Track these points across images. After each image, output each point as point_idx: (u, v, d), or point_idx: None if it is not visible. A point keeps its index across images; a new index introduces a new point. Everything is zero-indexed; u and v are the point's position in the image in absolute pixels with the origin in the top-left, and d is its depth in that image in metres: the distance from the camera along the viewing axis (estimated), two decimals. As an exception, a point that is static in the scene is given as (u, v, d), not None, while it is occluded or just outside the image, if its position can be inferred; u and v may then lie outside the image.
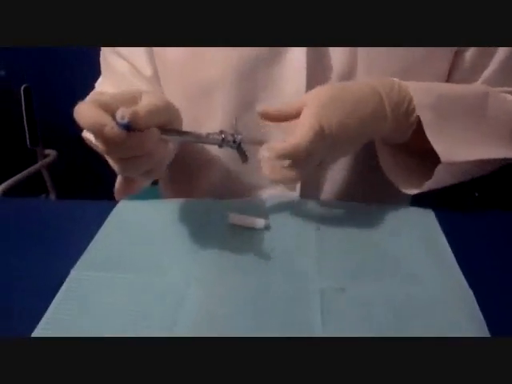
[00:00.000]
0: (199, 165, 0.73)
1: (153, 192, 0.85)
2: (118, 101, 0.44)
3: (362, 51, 0.61)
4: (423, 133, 0.55)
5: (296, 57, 0.61)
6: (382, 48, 0.60)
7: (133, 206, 0.64)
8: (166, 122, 0.48)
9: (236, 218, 0.59)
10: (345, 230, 0.59)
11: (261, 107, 0.54)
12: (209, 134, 0.51)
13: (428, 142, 0.55)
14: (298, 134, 0.50)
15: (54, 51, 1.84)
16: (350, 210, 0.63)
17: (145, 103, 0.46)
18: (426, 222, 0.60)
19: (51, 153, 1.79)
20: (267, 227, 0.58)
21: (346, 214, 0.62)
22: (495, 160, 0.60)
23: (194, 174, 0.74)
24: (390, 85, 0.55)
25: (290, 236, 0.57)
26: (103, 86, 0.74)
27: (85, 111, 0.42)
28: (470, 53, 0.63)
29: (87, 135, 0.66)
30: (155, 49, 0.67)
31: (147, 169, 0.48)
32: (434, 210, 0.62)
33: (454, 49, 0.63)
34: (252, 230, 0.58)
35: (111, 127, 0.41)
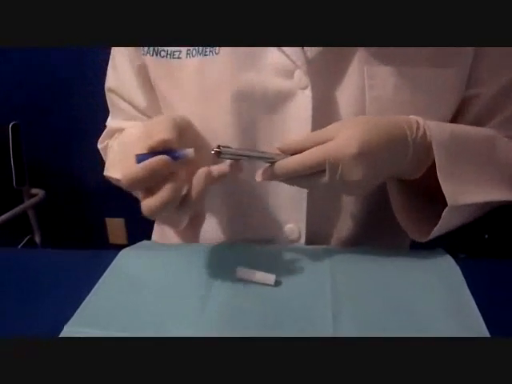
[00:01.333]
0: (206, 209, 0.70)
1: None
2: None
3: (371, 97, 0.59)
4: (431, 171, 0.54)
5: (300, 104, 0.59)
6: (390, 94, 0.59)
7: (134, 256, 0.60)
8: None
9: (244, 273, 0.55)
10: (363, 282, 0.55)
11: (283, 144, 0.54)
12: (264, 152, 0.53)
13: (434, 181, 0.54)
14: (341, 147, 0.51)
15: (45, 87, 1.82)
16: (365, 257, 0.60)
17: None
18: (446, 268, 0.57)
19: (39, 192, 1.74)
20: (277, 283, 0.55)
21: (361, 262, 0.59)
22: (499, 202, 0.60)
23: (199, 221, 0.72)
24: (409, 121, 0.55)
25: (302, 294, 0.53)
26: (116, 122, 0.75)
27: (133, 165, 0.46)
28: (481, 101, 0.63)
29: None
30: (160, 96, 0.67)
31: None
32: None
33: (461, 96, 0.62)
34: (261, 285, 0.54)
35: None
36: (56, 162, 1.89)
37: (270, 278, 0.54)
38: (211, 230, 0.70)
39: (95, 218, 2.05)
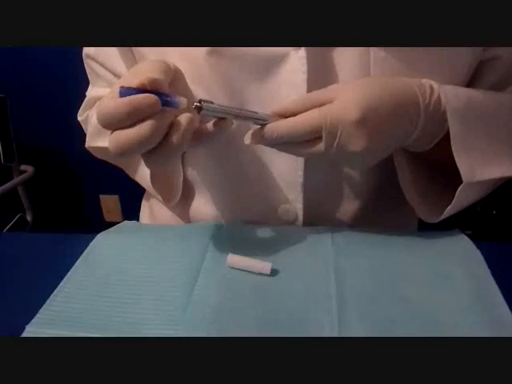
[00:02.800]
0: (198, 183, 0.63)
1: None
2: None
3: (376, 57, 0.51)
4: (443, 142, 0.49)
5: (294, 66, 0.51)
6: (400, 53, 0.51)
7: (110, 242, 0.53)
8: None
9: (236, 261, 0.48)
10: (371, 273, 0.48)
11: (276, 106, 0.47)
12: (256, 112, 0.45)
13: (447, 153, 0.48)
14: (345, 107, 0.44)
15: (33, 60, 1.74)
16: (373, 241, 0.53)
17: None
18: (465, 254, 0.50)
19: (28, 169, 1.67)
20: (274, 272, 0.48)
21: (369, 248, 0.52)
22: None
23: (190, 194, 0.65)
24: (422, 85, 0.48)
25: (302, 287, 0.46)
26: (96, 91, 0.67)
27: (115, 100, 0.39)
28: (500, 64, 0.55)
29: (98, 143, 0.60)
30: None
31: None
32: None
33: (478, 59, 0.55)
34: (256, 274, 0.47)
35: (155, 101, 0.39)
36: (45, 137, 1.81)
37: (266, 266, 0.47)
38: (200, 208, 0.63)
39: (89, 196, 1.98)
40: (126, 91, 0.39)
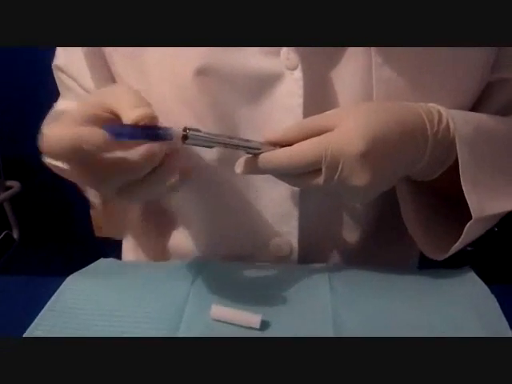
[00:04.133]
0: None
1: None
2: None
3: (379, 79, 0.46)
4: (449, 171, 0.45)
5: (289, 88, 0.47)
6: (404, 75, 0.46)
7: (79, 288, 0.47)
8: None
9: (221, 313, 0.42)
10: (376, 322, 0.42)
11: (271, 134, 0.42)
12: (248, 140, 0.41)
13: (454, 182, 0.44)
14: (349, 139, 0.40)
15: (18, 74, 1.69)
16: (375, 285, 0.47)
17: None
18: (476, 296, 0.45)
19: (14, 184, 1.63)
20: (264, 325, 0.42)
21: (371, 294, 0.46)
22: None
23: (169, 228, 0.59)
24: (430, 111, 0.44)
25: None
26: (64, 103, 0.61)
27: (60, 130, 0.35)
28: (509, 87, 0.51)
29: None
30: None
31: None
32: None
33: (486, 81, 0.50)
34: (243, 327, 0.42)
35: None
36: (31, 152, 1.75)
37: (255, 319, 0.41)
38: (183, 242, 0.58)
39: (78, 211, 1.92)
40: (118, 130, 0.35)
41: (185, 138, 0.37)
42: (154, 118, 0.36)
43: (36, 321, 0.42)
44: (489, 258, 1.16)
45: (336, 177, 0.40)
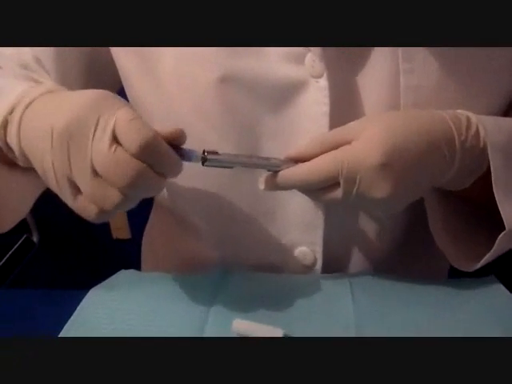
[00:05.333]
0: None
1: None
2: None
3: (407, 86, 0.45)
4: (481, 180, 0.43)
5: (314, 97, 0.46)
6: (433, 81, 0.46)
7: (101, 301, 0.47)
8: None
9: (242, 327, 0.42)
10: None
11: (291, 151, 0.42)
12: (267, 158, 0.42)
13: (485, 192, 0.43)
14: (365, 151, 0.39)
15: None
16: (399, 297, 0.47)
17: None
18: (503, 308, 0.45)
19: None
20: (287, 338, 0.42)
21: (395, 306, 0.46)
22: None
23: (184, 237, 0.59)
24: (457, 118, 0.42)
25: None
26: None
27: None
28: None
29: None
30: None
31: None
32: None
33: None
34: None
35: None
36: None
37: (276, 334, 0.41)
38: (205, 251, 0.57)
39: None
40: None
41: (204, 159, 0.38)
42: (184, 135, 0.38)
43: (61, 334, 0.43)
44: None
45: (355, 190, 0.40)
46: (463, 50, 0.45)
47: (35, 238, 1.69)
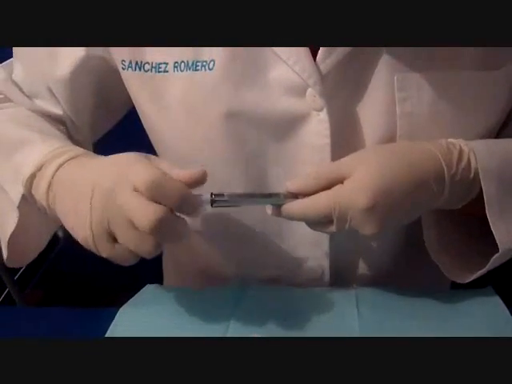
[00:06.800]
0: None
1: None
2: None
3: (403, 113, 0.48)
4: (476, 201, 0.46)
5: (315, 129, 0.49)
6: (427, 108, 0.48)
7: (132, 319, 0.52)
8: None
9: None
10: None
11: (291, 185, 0.45)
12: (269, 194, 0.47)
13: (478, 210, 0.46)
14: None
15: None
16: (400, 310, 0.51)
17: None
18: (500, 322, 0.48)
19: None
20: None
21: (397, 319, 0.50)
22: None
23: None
24: (449, 151, 0.45)
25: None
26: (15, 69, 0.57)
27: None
28: None
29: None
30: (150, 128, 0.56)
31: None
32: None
33: (511, 104, 0.52)
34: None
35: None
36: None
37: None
38: (220, 266, 0.62)
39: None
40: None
41: (212, 202, 0.43)
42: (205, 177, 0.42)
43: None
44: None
45: (347, 226, 0.44)
46: (455, 75, 0.48)
47: (60, 233, 1.74)
